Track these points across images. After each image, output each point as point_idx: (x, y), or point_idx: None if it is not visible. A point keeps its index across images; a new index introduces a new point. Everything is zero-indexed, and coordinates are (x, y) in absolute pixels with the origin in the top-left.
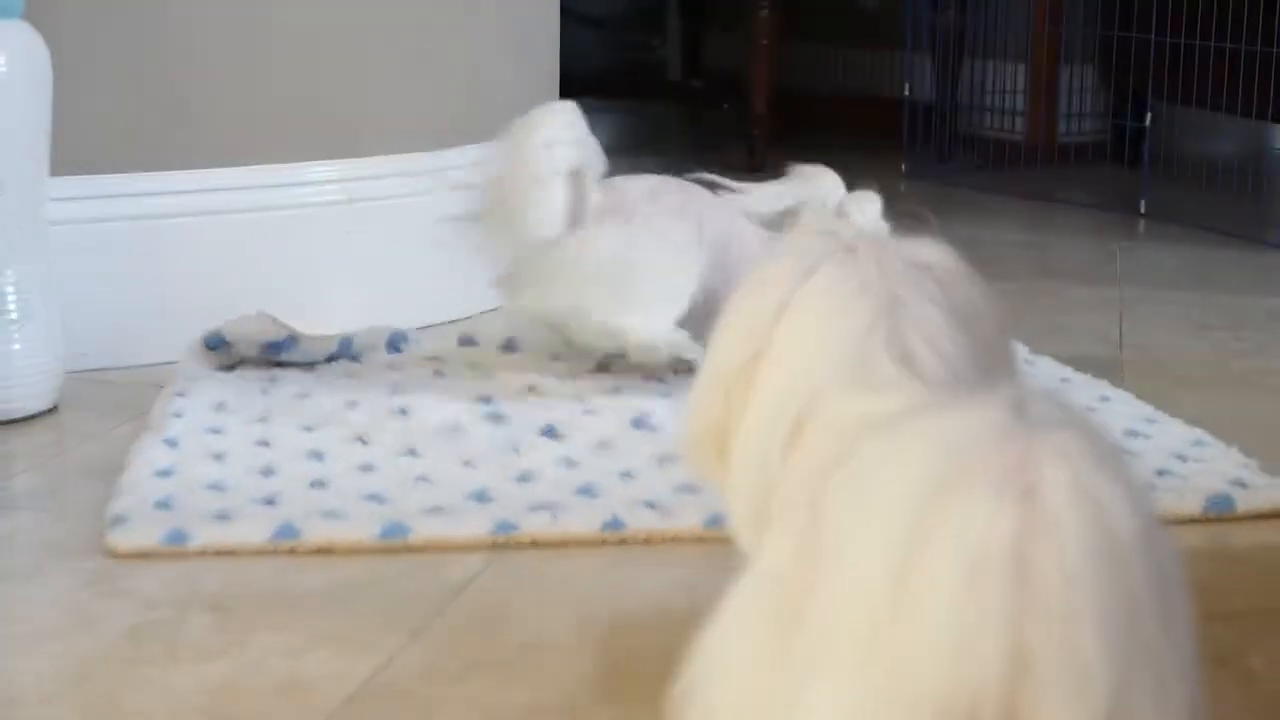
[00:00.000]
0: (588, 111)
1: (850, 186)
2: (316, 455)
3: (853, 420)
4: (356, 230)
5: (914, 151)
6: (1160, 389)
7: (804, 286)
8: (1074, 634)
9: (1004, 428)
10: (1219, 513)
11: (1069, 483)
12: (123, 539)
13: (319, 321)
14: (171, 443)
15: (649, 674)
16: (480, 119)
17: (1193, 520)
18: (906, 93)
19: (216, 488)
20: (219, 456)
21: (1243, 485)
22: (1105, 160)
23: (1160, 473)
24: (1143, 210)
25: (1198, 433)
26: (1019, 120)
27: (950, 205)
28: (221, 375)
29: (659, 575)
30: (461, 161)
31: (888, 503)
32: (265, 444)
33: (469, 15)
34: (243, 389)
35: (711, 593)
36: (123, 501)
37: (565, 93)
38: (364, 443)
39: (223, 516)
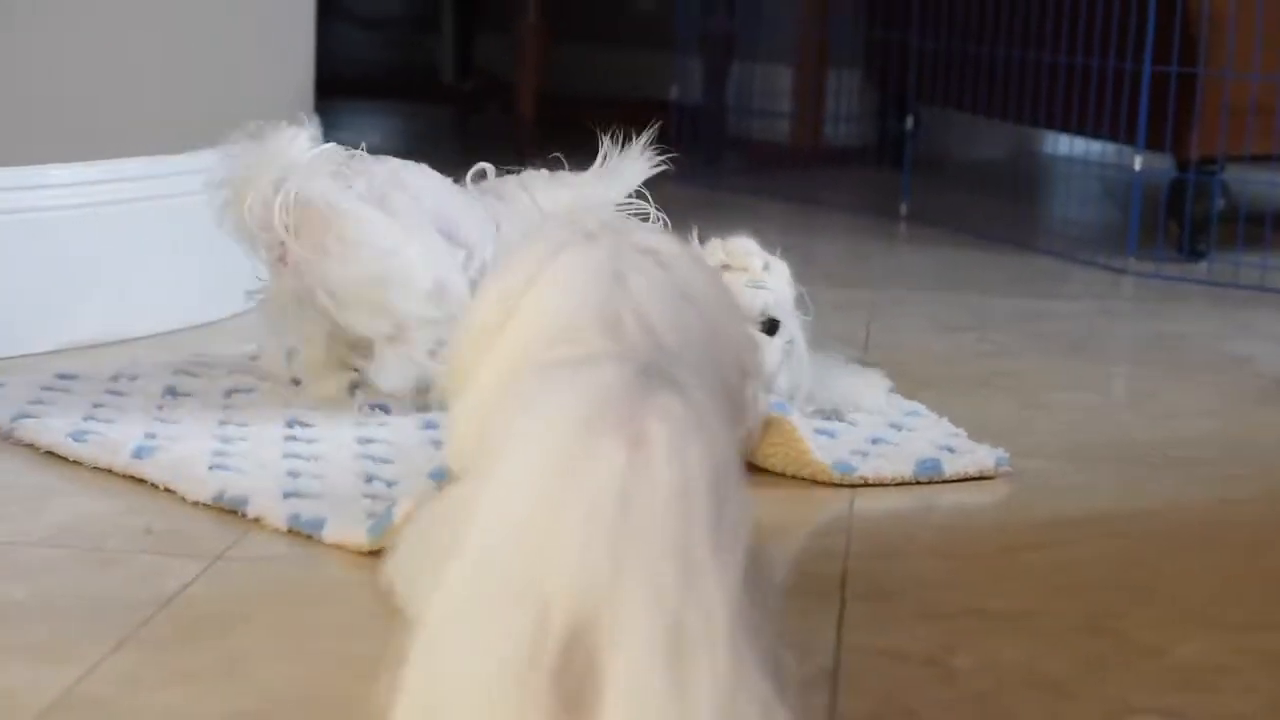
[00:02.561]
0: (360, 114)
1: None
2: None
3: (534, 366)
4: (100, 234)
5: (682, 154)
6: (900, 390)
7: (549, 266)
8: (653, 551)
9: (625, 387)
10: (929, 476)
11: (667, 438)
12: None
13: (59, 328)
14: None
15: (354, 680)
16: (230, 121)
17: (904, 483)
18: (674, 95)
19: (295, 474)
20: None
21: (950, 451)
22: (873, 163)
23: (875, 440)
24: (904, 213)
25: (915, 405)
26: (786, 123)
27: (716, 208)
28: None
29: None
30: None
31: (528, 440)
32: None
33: (215, 14)
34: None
35: None
36: (263, 503)
37: (338, 94)
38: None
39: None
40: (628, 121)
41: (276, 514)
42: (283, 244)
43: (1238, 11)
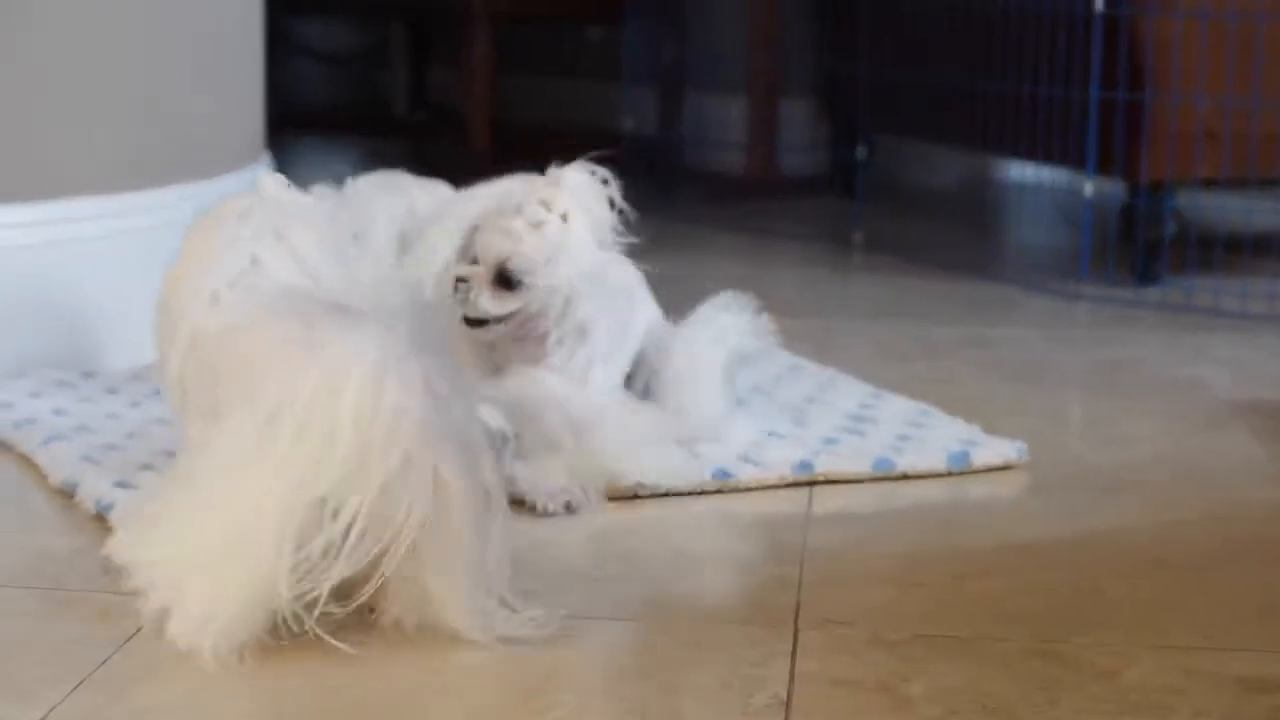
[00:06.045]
0: (315, 147)
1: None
2: None
3: (213, 332)
4: (57, 272)
5: (636, 185)
6: None
7: (202, 248)
8: (416, 452)
9: (384, 335)
10: (959, 468)
11: (421, 371)
12: None
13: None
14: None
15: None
16: (180, 157)
17: (935, 475)
18: (628, 126)
19: None
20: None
21: (974, 444)
22: (827, 192)
23: (901, 437)
24: (857, 242)
25: (923, 405)
26: (740, 153)
27: (672, 239)
28: None
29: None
30: (165, 201)
31: (312, 380)
32: None
33: (164, 51)
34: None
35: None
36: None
37: (293, 128)
38: None
39: None
40: (580, 150)
41: None
42: None
43: (1183, 37)
